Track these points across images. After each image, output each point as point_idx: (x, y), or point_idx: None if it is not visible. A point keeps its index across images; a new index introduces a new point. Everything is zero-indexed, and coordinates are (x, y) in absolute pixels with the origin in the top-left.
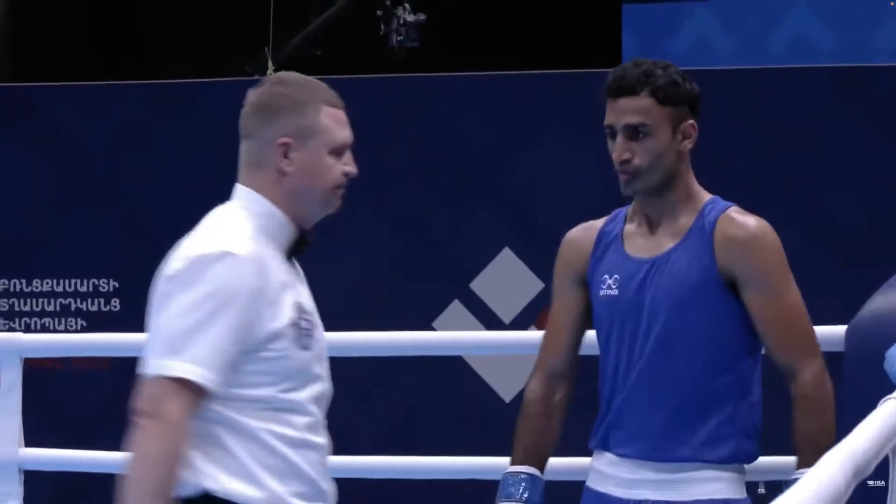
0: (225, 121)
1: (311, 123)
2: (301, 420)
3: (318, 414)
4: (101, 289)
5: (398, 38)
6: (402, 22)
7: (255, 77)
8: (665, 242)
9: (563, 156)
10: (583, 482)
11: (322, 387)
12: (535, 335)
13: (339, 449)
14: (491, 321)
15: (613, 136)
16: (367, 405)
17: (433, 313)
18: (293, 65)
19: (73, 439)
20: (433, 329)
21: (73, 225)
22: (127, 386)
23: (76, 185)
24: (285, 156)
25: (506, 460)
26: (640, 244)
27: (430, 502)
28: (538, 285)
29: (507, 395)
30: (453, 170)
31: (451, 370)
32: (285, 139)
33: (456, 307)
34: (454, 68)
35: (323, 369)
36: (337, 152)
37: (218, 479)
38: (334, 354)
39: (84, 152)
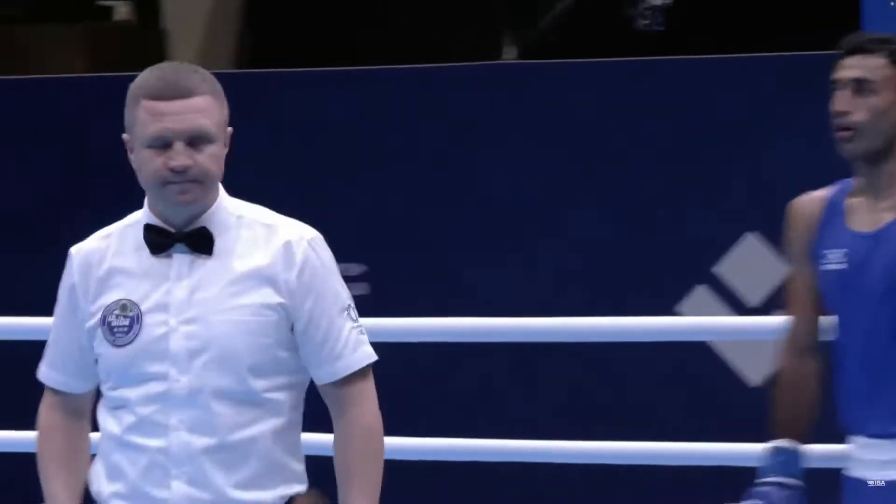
0: (458, 105)
1: (132, 119)
2: (127, 419)
3: (146, 414)
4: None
5: (644, 22)
6: (647, 5)
7: (491, 62)
8: (884, 216)
9: (808, 139)
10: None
11: (162, 386)
12: (781, 319)
13: (586, 434)
14: (736, 306)
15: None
16: (610, 389)
17: (676, 298)
18: (535, 50)
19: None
20: (677, 314)
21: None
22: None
23: (317, 171)
24: (131, 152)
25: (750, 446)
26: (861, 218)
27: (675, 488)
28: (783, 269)
29: (753, 380)
30: (699, 153)
31: (694, 354)
32: (124, 135)
33: (700, 292)
34: (699, 51)
35: (170, 367)
36: (156, 146)
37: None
38: (579, 339)
39: (329, 138)
